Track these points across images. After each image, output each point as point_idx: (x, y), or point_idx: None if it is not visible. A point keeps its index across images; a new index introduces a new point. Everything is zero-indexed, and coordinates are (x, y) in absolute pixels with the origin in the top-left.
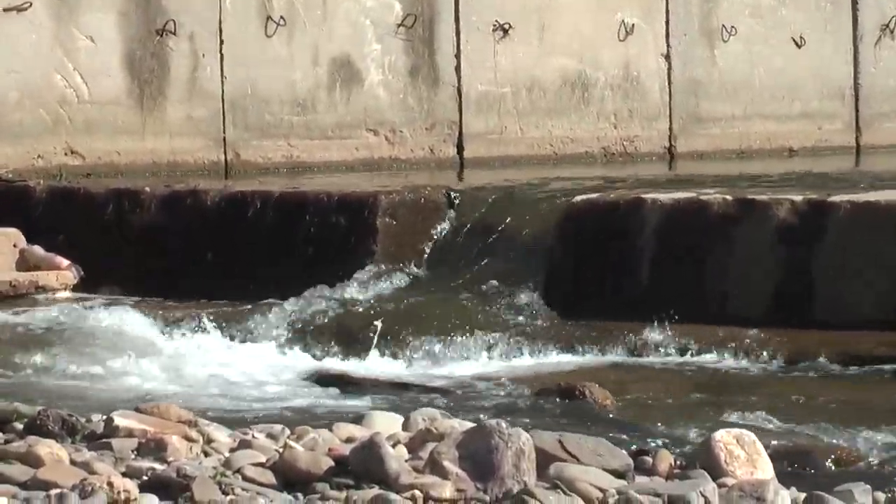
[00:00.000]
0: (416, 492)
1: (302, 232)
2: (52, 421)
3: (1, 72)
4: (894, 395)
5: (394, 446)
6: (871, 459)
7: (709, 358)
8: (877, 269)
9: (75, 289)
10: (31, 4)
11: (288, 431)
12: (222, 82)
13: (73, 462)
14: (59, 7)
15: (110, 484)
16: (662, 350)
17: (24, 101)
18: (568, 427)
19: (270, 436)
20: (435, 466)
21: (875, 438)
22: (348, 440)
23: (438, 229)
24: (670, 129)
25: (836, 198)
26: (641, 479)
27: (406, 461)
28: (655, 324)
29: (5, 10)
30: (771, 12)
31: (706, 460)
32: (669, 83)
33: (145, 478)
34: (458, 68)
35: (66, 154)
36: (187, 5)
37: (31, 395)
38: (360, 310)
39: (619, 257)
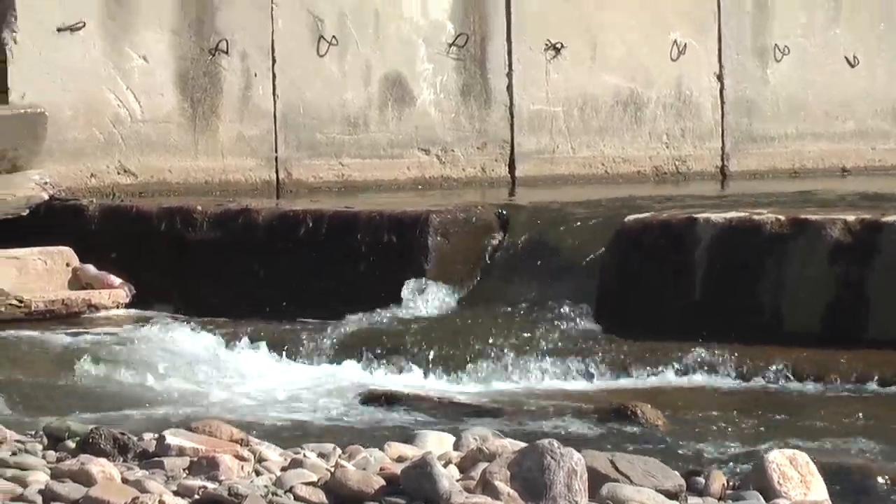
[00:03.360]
0: None
1: (354, 250)
2: (104, 439)
3: (55, 90)
4: None
5: (445, 466)
6: None
7: (762, 377)
8: None
9: (127, 307)
10: (84, 24)
11: (339, 450)
12: (274, 101)
13: (124, 480)
14: (112, 26)
15: (162, 503)
16: (715, 370)
17: (77, 119)
18: (620, 447)
19: (322, 455)
20: (486, 486)
21: None
22: (399, 459)
23: (490, 248)
24: (722, 148)
25: (889, 217)
26: (694, 500)
27: (458, 481)
28: (708, 343)
29: (59, 29)
30: (823, 31)
31: (759, 481)
32: (722, 102)
33: (197, 496)
34: (509, 87)
35: (118, 172)
36: (240, 24)
37: (84, 411)
38: (412, 328)
39: (672, 277)
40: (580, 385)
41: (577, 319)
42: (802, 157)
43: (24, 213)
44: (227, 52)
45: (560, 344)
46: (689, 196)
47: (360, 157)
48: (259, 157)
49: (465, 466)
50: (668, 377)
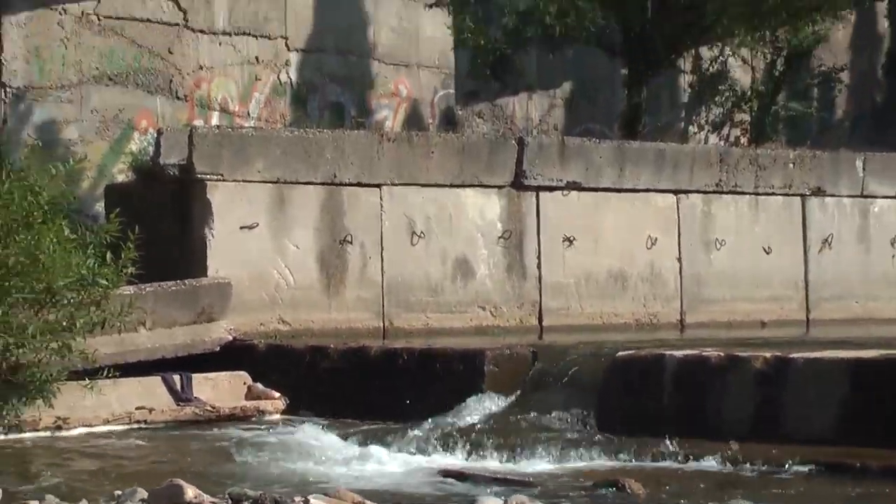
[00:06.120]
0: None
1: (434, 374)
2: (268, 500)
3: (238, 267)
4: (842, 488)
5: None
6: None
7: (709, 462)
8: (823, 402)
9: (284, 413)
10: (258, 224)
11: None
12: (382, 275)
13: None
14: (275, 225)
15: None
16: (677, 457)
17: (251, 286)
18: None
19: None
20: None
21: None
22: None
23: (526, 374)
24: (681, 307)
25: (794, 354)
26: None
27: None
28: (673, 439)
29: (241, 227)
30: (748, 230)
31: None
32: (680, 276)
33: None
34: (539, 266)
35: (278, 322)
36: (360, 224)
37: (255, 481)
38: (473, 427)
39: (648, 394)
40: (586, 466)
41: (584, 421)
42: (735, 314)
43: (217, 350)
44: (351, 243)
45: (572, 437)
46: (659, 340)
47: (438, 312)
48: (371, 312)
49: None
50: (647, 462)
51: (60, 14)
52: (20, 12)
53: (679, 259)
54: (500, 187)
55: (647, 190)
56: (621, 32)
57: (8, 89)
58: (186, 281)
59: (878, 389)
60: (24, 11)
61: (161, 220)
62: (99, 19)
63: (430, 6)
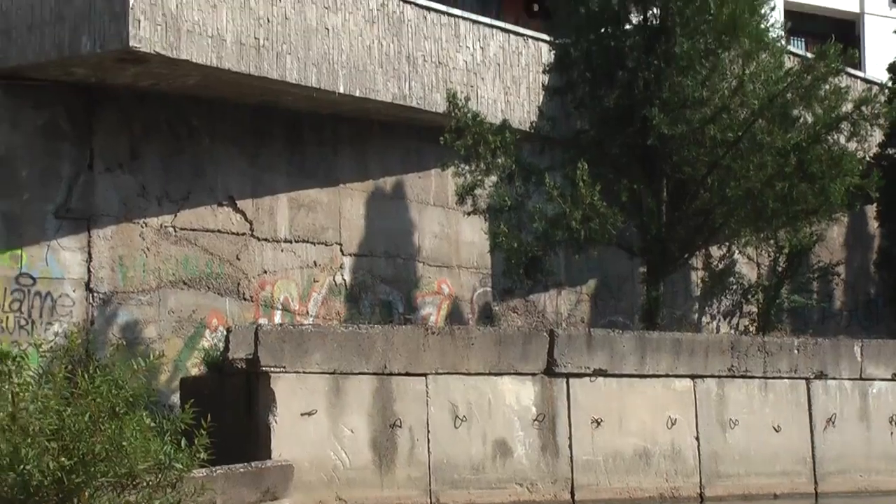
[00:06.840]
0: None
1: None
2: None
3: (298, 451)
4: None
5: None
6: None
7: None
8: None
9: None
10: (316, 411)
11: None
12: (428, 456)
13: None
14: (332, 412)
15: None
16: None
17: (311, 468)
18: None
19: None
20: None
21: None
22: None
23: None
24: (700, 482)
25: None
26: None
27: None
28: None
29: (301, 414)
30: (759, 411)
31: None
32: (699, 454)
33: None
34: (570, 446)
35: (335, 500)
36: (409, 411)
37: None
38: None
39: None
40: None
41: None
42: (749, 487)
43: None
44: (400, 426)
45: None
46: None
47: (480, 489)
48: (420, 490)
49: None
50: None
51: (142, 227)
52: (106, 226)
53: (697, 437)
54: (533, 375)
55: (667, 375)
56: (640, 235)
57: (95, 294)
58: (253, 463)
59: None
60: (110, 226)
61: (230, 408)
62: (175, 231)
63: (469, 214)
